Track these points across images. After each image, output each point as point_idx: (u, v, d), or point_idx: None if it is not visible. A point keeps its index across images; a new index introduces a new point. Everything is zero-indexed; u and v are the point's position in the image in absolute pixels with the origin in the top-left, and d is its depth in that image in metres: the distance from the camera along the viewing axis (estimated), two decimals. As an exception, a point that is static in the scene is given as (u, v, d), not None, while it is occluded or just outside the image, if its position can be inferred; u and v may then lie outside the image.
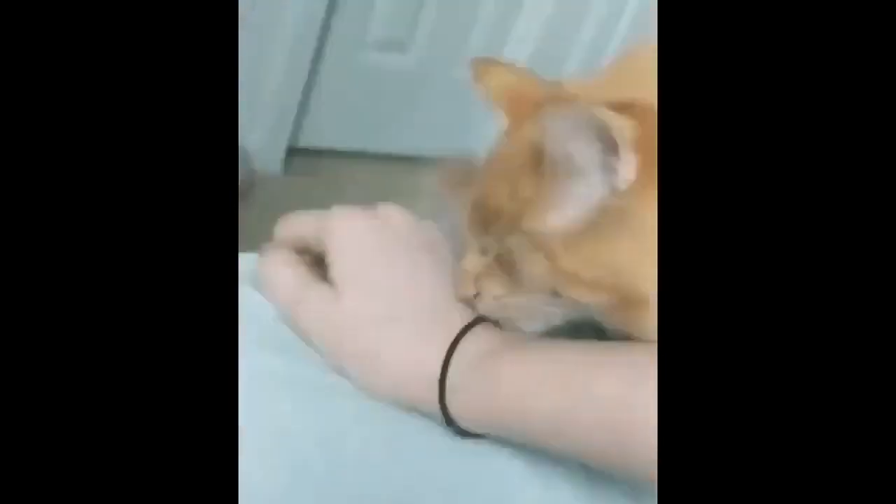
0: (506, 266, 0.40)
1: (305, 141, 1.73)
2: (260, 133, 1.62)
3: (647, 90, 0.35)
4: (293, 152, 1.74)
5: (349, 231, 0.44)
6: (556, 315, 0.40)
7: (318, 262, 0.45)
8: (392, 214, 0.46)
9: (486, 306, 0.42)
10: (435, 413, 0.41)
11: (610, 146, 0.35)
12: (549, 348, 0.40)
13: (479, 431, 0.41)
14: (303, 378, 0.42)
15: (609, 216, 0.36)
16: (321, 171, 1.74)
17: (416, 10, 1.70)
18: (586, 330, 0.40)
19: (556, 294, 0.38)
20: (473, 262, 0.41)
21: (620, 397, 0.36)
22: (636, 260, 0.36)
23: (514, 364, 0.40)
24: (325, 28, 1.60)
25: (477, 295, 0.41)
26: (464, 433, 0.41)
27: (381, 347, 0.42)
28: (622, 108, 0.35)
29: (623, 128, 0.34)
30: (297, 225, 0.46)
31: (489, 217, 0.39)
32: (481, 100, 0.43)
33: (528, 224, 0.38)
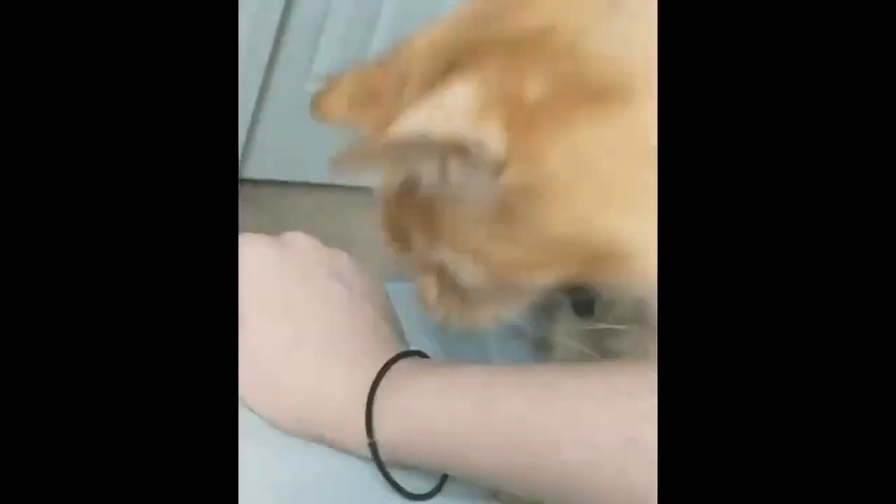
0: (449, 282, 0.38)
1: (250, 172, 1.72)
2: (205, 164, 1.61)
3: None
4: (239, 183, 1.73)
5: (247, 258, 0.42)
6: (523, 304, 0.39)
7: None
8: (297, 241, 0.44)
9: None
10: (340, 440, 0.39)
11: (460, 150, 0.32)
12: (462, 369, 0.39)
13: (394, 458, 0.39)
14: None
15: (514, 190, 0.33)
16: (266, 202, 1.73)
17: (364, 44, 1.72)
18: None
19: (510, 290, 0.36)
20: (427, 284, 0.40)
21: (522, 418, 0.35)
22: (587, 216, 0.33)
23: (427, 383, 0.38)
24: (272, 60, 1.61)
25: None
26: (380, 462, 0.39)
27: (282, 374, 0.39)
28: (453, 66, 0.32)
29: (461, 118, 0.31)
30: None
31: (401, 237, 0.38)
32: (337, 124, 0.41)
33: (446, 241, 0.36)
